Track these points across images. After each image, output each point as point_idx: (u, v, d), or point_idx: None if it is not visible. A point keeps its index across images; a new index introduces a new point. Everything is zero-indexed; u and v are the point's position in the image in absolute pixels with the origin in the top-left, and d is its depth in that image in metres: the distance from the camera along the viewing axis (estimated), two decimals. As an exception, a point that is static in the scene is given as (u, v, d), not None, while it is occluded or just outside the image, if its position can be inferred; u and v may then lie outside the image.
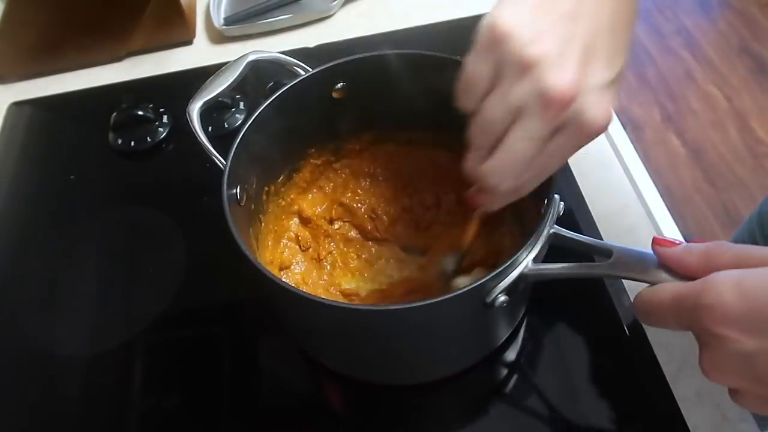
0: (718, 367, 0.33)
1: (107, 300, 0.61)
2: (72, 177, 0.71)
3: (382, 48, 0.52)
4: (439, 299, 0.38)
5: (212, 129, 0.71)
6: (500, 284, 0.40)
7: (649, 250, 0.37)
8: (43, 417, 0.55)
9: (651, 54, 1.97)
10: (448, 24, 0.80)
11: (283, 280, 0.50)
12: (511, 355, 0.54)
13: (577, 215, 0.61)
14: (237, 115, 0.72)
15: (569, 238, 0.42)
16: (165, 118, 0.73)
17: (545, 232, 0.41)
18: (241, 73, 0.53)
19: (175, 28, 0.82)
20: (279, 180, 0.57)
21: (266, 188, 0.56)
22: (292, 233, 0.59)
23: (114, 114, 0.73)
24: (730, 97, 1.82)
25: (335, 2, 0.83)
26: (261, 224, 0.55)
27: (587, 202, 0.62)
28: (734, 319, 0.31)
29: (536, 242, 0.41)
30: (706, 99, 1.83)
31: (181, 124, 0.73)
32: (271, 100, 0.51)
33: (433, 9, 0.82)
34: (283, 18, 0.82)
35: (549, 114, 0.34)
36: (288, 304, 0.47)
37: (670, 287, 0.34)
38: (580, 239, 0.42)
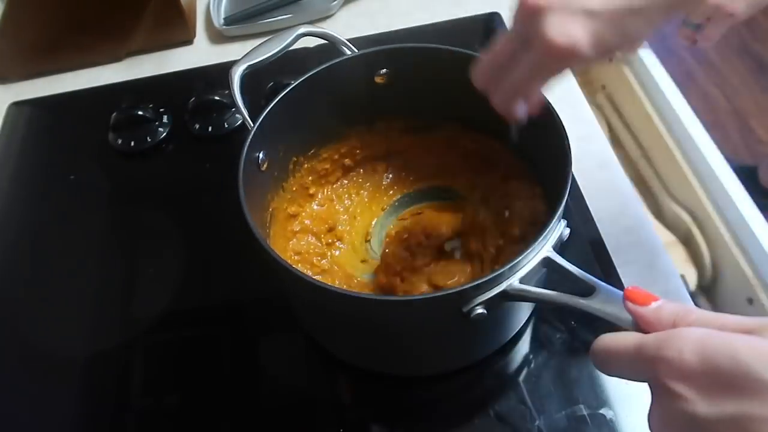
0: (663, 425, 0.31)
1: (107, 300, 0.61)
2: (72, 177, 0.71)
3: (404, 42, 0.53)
4: (409, 298, 0.40)
5: (212, 129, 0.71)
6: (479, 297, 0.40)
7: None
8: (43, 417, 0.55)
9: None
10: (448, 24, 0.80)
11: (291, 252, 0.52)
12: (521, 350, 0.54)
13: (577, 215, 0.61)
14: (237, 115, 0.72)
15: (560, 265, 0.41)
16: (165, 118, 0.73)
17: (536, 255, 0.41)
18: (288, 44, 0.53)
19: (175, 28, 0.82)
20: (309, 153, 0.57)
21: (294, 159, 0.56)
22: (308, 210, 0.60)
23: (114, 114, 0.73)
24: (730, 97, 1.82)
25: (335, 2, 0.83)
26: (283, 191, 0.56)
27: (587, 203, 0.62)
28: (690, 377, 0.29)
29: (524, 263, 0.40)
30: (706, 99, 1.83)
31: (180, 123, 0.73)
32: (315, 71, 0.52)
33: (433, 9, 0.82)
34: (283, 18, 0.82)
35: (516, 18, 0.37)
36: (280, 276, 0.46)
37: (632, 335, 0.33)
38: (570, 270, 0.40)
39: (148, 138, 0.72)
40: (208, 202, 0.67)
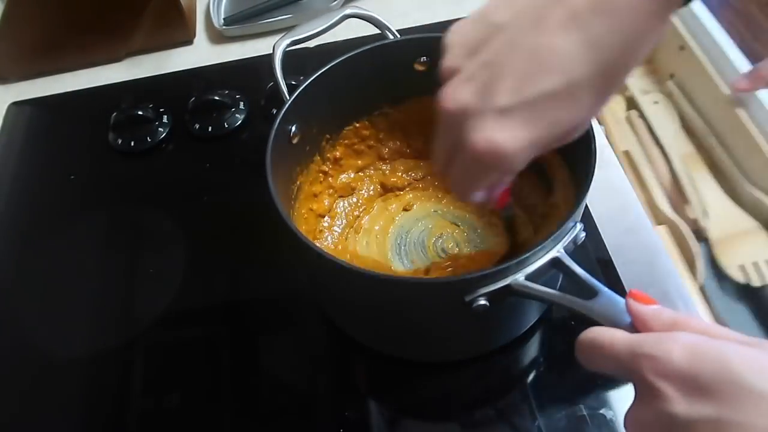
0: (640, 424, 0.31)
1: (107, 300, 0.61)
2: (72, 177, 0.71)
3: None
4: (410, 280, 0.42)
5: (212, 129, 0.71)
6: (483, 288, 0.40)
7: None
8: (44, 417, 0.55)
9: (651, 54, 1.97)
10: (448, 24, 0.80)
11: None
12: (530, 351, 0.54)
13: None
14: (237, 115, 0.72)
15: (568, 267, 0.41)
16: (165, 118, 0.73)
17: (545, 254, 0.41)
18: (333, 24, 0.54)
19: (175, 28, 0.82)
20: (343, 132, 0.58)
21: (327, 136, 0.57)
22: (334, 189, 0.60)
23: (114, 114, 0.73)
24: (730, 97, 1.82)
25: (335, 2, 0.83)
26: (314, 164, 0.56)
27: (587, 203, 0.62)
28: (675, 377, 0.29)
29: (532, 261, 0.40)
30: (706, 99, 1.83)
31: (180, 124, 0.73)
32: (358, 51, 0.52)
33: (434, 9, 0.83)
34: (283, 18, 0.82)
35: (441, 124, 0.35)
36: (297, 250, 0.46)
37: (625, 332, 0.33)
38: (576, 271, 0.40)
39: (148, 138, 0.72)
40: (208, 202, 0.67)
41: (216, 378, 0.55)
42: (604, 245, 0.59)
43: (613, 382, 0.51)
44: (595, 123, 0.69)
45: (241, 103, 0.73)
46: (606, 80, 0.32)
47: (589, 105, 0.32)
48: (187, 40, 0.83)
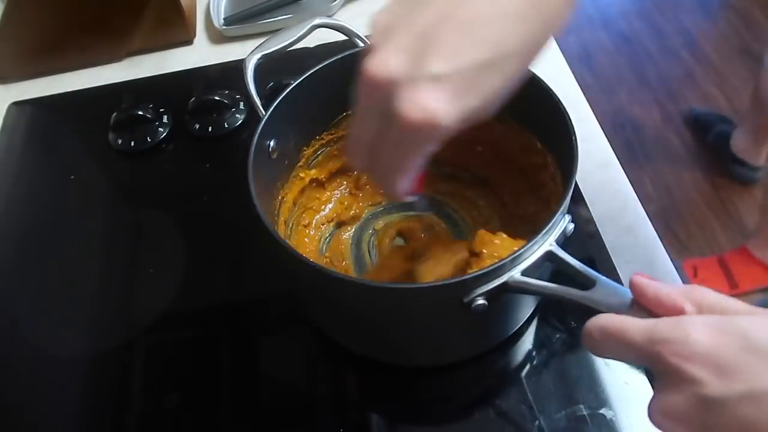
0: (668, 411, 0.30)
1: (107, 300, 0.61)
2: (72, 177, 0.71)
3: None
4: (409, 286, 0.40)
5: (212, 129, 0.71)
6: (480, 288, 0.40)
7: (627, 287, 0.36)
8: (44, 417, 0.55)
9: (651, 54, 1.97)
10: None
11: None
12: (524, 347, 0.54)
13: (577, 215, 0.61)
14: (237, 115, 0.72)
15: (562, 259, 0.41)
16: (165, 118, 0.73)
17: (538, 248, 0.41)
18: (302, 35, 0.54)
19: (175, 28, 0.82)
20: (321, 143, 0.57)
21: (305, 148, 0.56)
22: (317, 200, 0.60)
23: (114, 114, 0.73)
24: (730, 97, 1.82)
25: (335, 2, 0.83)
26: (293, 180, 0.56)
27: (587, 202, 0.62)
28: (699, 357, 0.29)
29: (526, 256, 0.41)
30: (706, 99, 1.83)
31: (180, 124, 0.73)
32: (330, 61, 0.52)
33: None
34: (283, 18, 0.82)
35: (363, 95, 0.34)
36: (283, 260, 0.46)
37: (636, 318, 0.32)
38: (571, 263, 0.41)
39: (148, 138, 0.72)
40: (208, 202, 0.67)
41: (216, 378, 0.55)
42: (605, 245, 0.58)
43: (613, 382, 0.51)
44: (596, 125, 0.69)
45: (241, 103, 0.72)
46: (529, 52, 0.34)
47: (513, 74, 0.34)
48: (187, 40, 0.83)
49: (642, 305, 0.35)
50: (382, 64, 0.33)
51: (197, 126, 0.72)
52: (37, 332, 0.60)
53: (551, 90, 0.48)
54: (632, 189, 0.64)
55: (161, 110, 0.74)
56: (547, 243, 0.41)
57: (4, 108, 0.79)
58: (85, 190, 0.71)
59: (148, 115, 0.72)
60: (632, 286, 0.35)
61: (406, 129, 0.33)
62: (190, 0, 0.85)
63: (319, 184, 0.60)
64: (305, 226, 0.59)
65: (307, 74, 0.52)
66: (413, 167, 0.36)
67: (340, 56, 0.52)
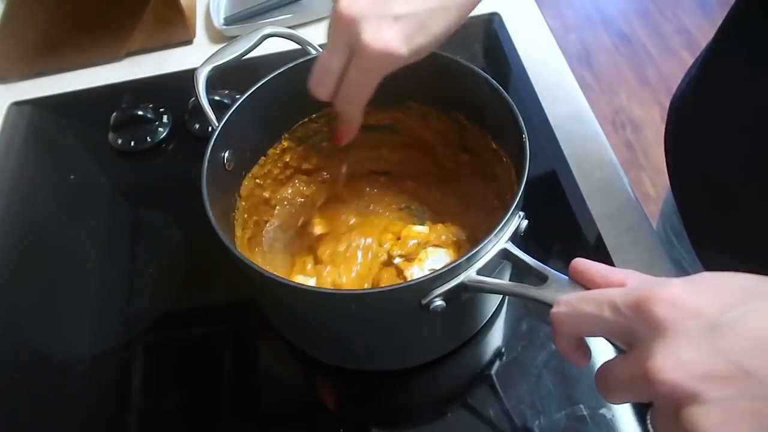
0: (681, 361, 0.27)
1: (107, 300, 0.61)
2: (72, 177, 0.71)
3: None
4: (365, 291, 0.41)
5: (212, 129, 0.71)
6: (438, 289, 0.40)
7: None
8: (44, 417, 0.55)
9: (651, 54, 1.97)
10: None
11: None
12: (494, 338, 0.54)
13: (577, 216, 0.61)
14: (237, 115, 0.72)
15: (516, 256, 0.41)
16: (165, 118, 0.73)
17: (493, 247, 0.41)
18: (253, 45, 0.54)
19: (175, 28, 0.82)
20: (276, 152, 0.57)
21: (262, 158, 0.56)
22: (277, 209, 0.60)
23: (114, 114, 0.73)
24: (730, 97, 1.82)
25: (335, 2, 0.83)
26: (251, 191, 0.56)
27: (587, 202, 0.62)
28: (694, 297, 0.28)
29: (481, 255, 0.41)
30: (706, 99, 1.83)
31: (180, 123, 0.73)
32: (280, 71, 0.52)
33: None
34: (283, 18, 0.82)
35: (333, 29, 0.42)
36: (243, 272, 0.46)
37: (609, 290, 0.32)
38: (524, 260, 0.40)
39: (148, 138, 0.72)
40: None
41: (216, 378, 0.55)
42: (604, 245, 0.59)
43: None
44: (596, 125, 0.69)
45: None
46: (469, 4, 0.43)
47: (456, 20, 0.43)
48: (187, 39, 0.83)
49: (584, 285, 0.35)
50: (353, 3, 0.40)
51: (197, 126, 0.72)
52: (37, 332, 0.60)
53: (502, 91, 0.48)
54: (632, 189, 0.64)
55: (161, 110, 0.74)
56: (501, 241, 0.41)
57: (4, 108, 0.79)
58: (85, 190, 0.71)
59: (148, 115, 0.72)
60: (574, 269, 0.36)
61: (369, 57, 0.41)
62: (190, 0, 0.85)
63: (276, 193, 0.60)
64: (265, 232, 0.58)
65: (258, 85, 0.52)
66: (370, 92, 0.44)
67: (289, 66, 0.52)
